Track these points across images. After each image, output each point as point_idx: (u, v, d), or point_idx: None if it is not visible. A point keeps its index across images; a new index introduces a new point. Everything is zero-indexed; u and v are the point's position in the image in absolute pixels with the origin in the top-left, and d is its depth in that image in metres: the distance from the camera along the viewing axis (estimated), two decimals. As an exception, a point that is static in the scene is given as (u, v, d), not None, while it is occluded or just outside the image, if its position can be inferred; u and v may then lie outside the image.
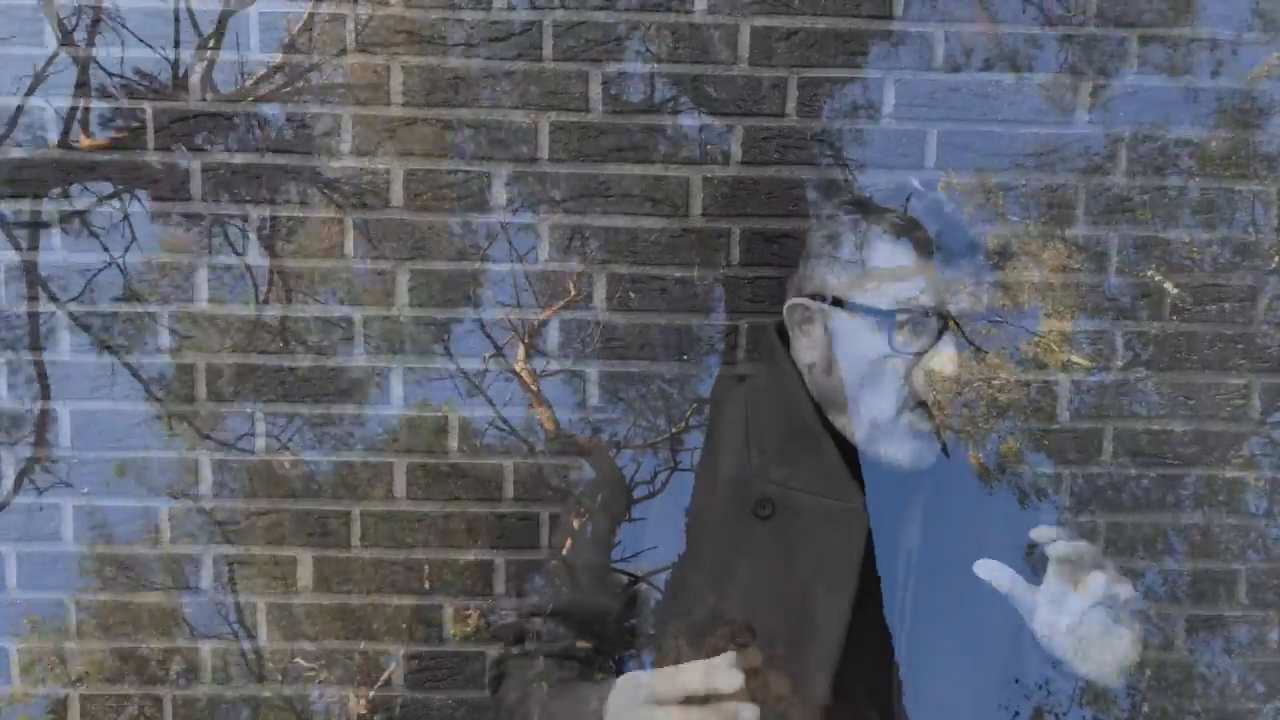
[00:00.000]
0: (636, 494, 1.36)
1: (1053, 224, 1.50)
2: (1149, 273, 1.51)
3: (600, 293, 1.47)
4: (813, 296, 1.17)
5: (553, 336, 1.50)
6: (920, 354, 1.10)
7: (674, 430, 1.46)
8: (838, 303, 1.14)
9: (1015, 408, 1.54)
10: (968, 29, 1.44)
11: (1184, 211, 1.50)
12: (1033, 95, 1.46)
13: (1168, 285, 1.51)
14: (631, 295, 1.47)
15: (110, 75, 1.41)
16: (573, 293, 1.48)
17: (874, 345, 1.11)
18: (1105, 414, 1.55)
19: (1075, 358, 1.54)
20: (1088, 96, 1.47)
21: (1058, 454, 1.56)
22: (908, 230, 1.12)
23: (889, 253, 1.12)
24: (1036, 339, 1.53)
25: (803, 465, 1.17)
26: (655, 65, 1.43)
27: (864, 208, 1.19)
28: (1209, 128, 1.48)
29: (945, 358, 1.09)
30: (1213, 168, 1.49)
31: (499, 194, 1.45)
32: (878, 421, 1.13)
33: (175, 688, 1.49)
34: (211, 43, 1.41)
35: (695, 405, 1.48)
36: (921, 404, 1.11)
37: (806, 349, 1.19)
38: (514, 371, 1.50)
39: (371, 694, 1.51)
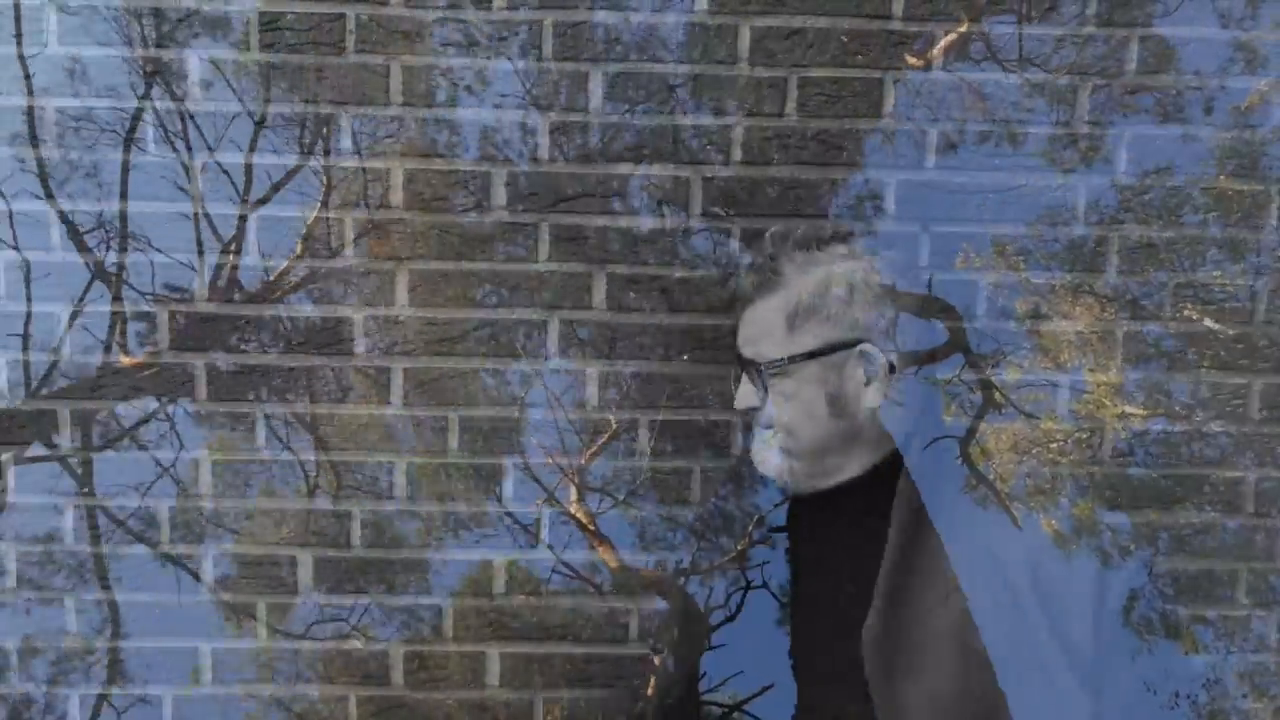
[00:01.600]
0: (713, 620, 1.33)
1: (1079, 276, 1.49)
2: (1187, 313, 1.49)
3: (644, 437, 1.47)
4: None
5: (601, 472, 1.49)
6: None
7: (739, 548, 1.44)
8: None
9: (1080, 465, 1.51)
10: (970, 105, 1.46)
11: (1207, 248, 1.49)
12: (1027, 158, 1.48)
13: (1208, 322, 1.49)
14: (672, 441, 1.47)
15: (142, 294, 1.46)
16: (614, 426, 1.48)
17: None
18: (1178, 463, 1.51)
19: (1130, 409, 1.51)
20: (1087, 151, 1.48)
21: (1132, 507, 1.51)
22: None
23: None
24: (1086, 395, 1.51)
25: None
26: (655, 65, 1.44)
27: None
28: (1212, 167, 1.49)
29: (739, 392, 1.24)
30: (1225, 205, 1.49)
31: (542, 342, 1.47)
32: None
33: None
34: (234, 246, 1.46)
35: (756, 520, 1.46)
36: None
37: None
38: (569, 514, 1.49)
39: None
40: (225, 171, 1.45)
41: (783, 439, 1.18)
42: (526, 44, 1.44)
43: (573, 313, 1.47)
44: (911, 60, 1.44)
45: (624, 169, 1.45)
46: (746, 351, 1.22)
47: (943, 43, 1.44)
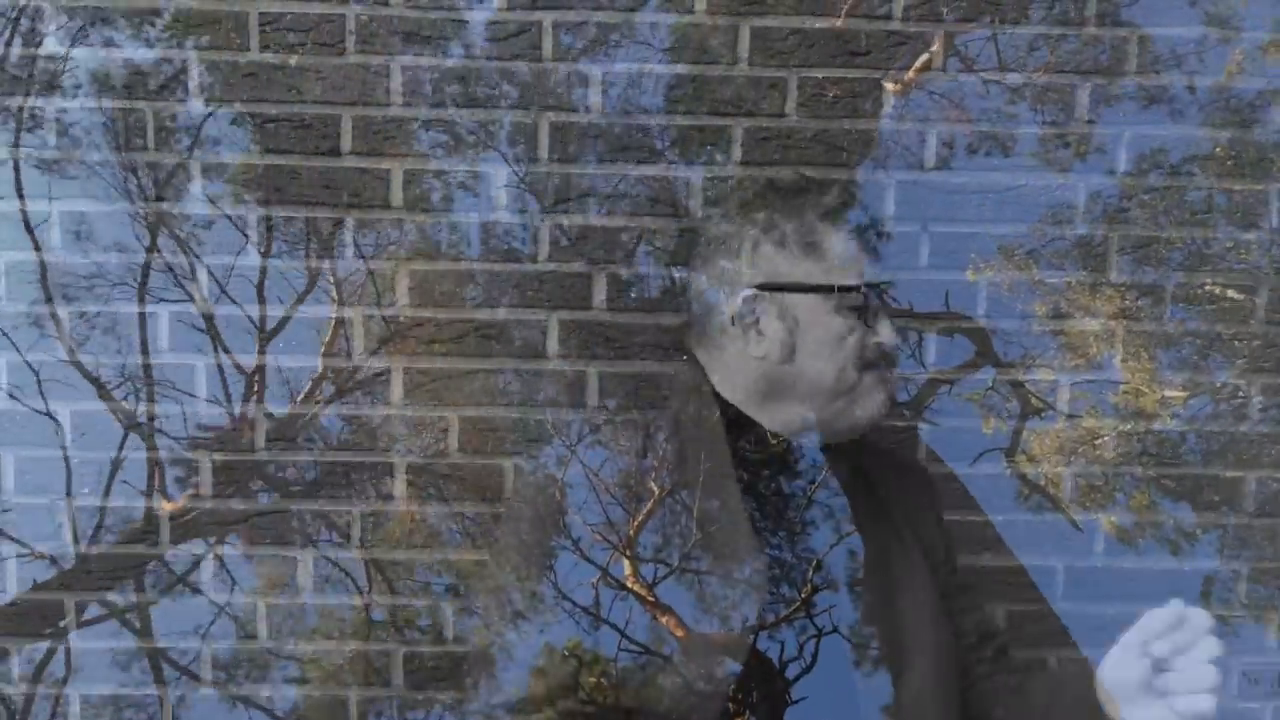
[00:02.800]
0: (790, 674, 1.31)
1: (1091, 268, 1.49)
2: (1208, 284, 1.49)
3: (690, 497, 1.47)
4: (761, 288, 1.22)
5: (651, 540, 1.48)
6: (869, 326, 1.22)
7: (803, 595, 1.42)
8: (798, 289, 1.22)
9: (1131, 457, 1.49)
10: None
11: (1215, 221, 1.49)
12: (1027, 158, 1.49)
13: (1231, 292, 1.48)
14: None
15: (176, 439, 1.48)
16: (657, 492, 1.48)
17: (834, 323, 1.21)
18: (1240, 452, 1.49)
19: (1169, 392, 1.50)
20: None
21: (1190, 498, 1.49)
22: (842, 223, 1.23)
23: (837, 241, 1.23)
24: (1123, 386, 1.50)
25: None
26: (655, 65, 1.45)
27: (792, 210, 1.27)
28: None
29: (886, 328, 1.21)
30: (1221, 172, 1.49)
31: (580, 434, 1.47)
32: (841, 390, 1.22)
33: None
34: (256, 378, 1.48)
35: (815, 564, 1.44)
36: (869, 365, 1.22)
37: (757, 342, 1.24)
38: (627, 589, 1.47)
39: None
40: (236, 303, 1.47)
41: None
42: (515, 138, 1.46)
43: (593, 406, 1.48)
44: (890, 86, 1.46)
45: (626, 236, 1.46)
46: (854, 278, 1.20)
47: (919, 62, 1.46)
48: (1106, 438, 1.49)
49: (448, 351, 1.48)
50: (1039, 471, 1.45)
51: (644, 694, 1.45)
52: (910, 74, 1.46)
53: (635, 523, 1.48)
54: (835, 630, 1.28)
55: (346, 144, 1.45)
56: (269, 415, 1.48)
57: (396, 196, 1.46)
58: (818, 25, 1.44)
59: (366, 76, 1.44)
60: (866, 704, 1.28)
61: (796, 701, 1.23)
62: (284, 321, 1.48)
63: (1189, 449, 1.49)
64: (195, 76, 1.44)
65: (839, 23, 1.41)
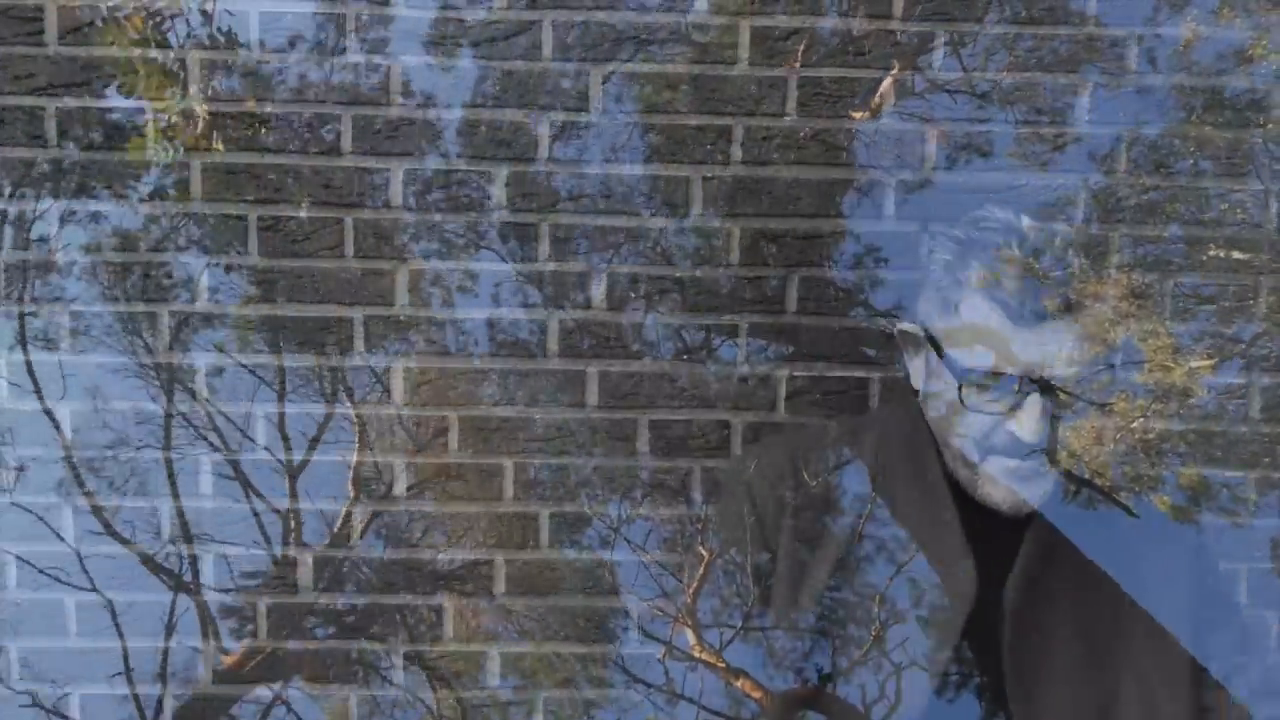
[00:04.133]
0: (877, 715, 1.28)
1: (1092, 253, 1.49)
2: (1212, 253, 1.48)
3: (742, 556, 1.45)
4: (918, 324, 1.18)
5: (710, 605, 1.46)
6: (1002, 414, 1.09)
7: (875, 633, 1.39)
8: (932, 342, 1.14)
9: (1171, 437, 1.47)
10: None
11: (1205, 183, 1.50)
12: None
13: (1235, 252, 1.48)
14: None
15: (223, 591, 1.47)
16: (706, 558, 1.47)
17: (952, 394, 1.11)
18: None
19: (1195, 362, 1.49)
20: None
21: (1242, 462, 1.47)
22: (1001, 288, 1.09)
23: (979, 310, 1.10)
24: (1147, 364, 1.49)
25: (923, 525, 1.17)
26: (655, 65, 1.44)
27: (973, 240, 1.15)
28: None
29: (1024, 420, 1.08)
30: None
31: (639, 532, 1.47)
32: (967, 462, 1.14)
33: None
34: (292, 520, 1.48)
35: (878, 598, 1.42)
36: (994, 451, 1.12)
37: (914, 375, 1.20)
38: (696, 659, 1.45)
39: None
40: (267, 450, 1.48)
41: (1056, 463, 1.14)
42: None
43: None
44: (855, 115, 1.47)
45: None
46: (1047, 371, 1.08)
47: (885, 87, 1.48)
48: (1142, 419, 1.48)
49: (474, 452, 1.48)
50: (1083, 465, 1.44)
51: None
52: (876, 100, 1.47)
53: (691, 590, 1.46)
54: (914, 663, 1.26)
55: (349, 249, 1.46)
56: (310, 550, 1.47)
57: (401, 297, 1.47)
58: (818, 25, 1.42)
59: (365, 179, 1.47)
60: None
61: (888, 743, 1.20)
62: (311, 446, 1.49)
63: (1230, 415, 1.47)
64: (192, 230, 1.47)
65: (794, 70, 1.43)
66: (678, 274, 1.46)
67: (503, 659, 1.47)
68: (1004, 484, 1.13)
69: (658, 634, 1.48)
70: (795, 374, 1.45)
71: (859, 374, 1.46)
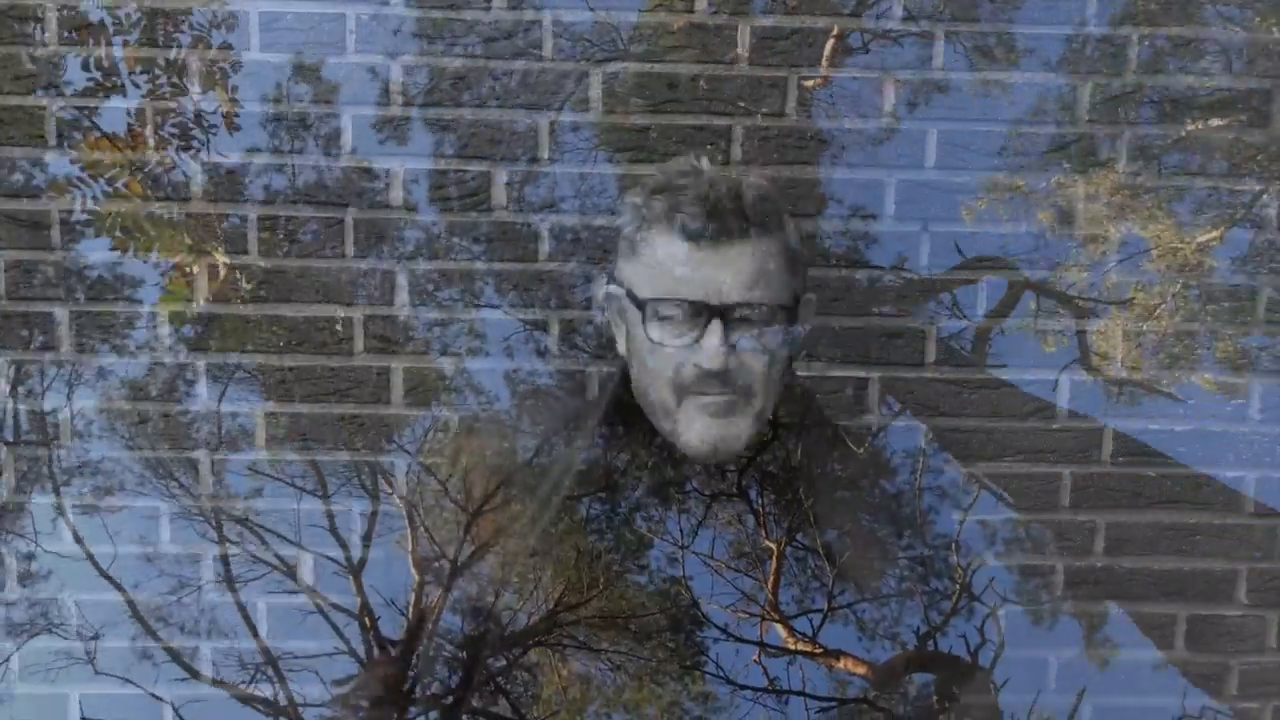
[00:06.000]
0: (985, 660, 1.28)
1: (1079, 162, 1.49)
2: (1192, 127, 1.48)
3: (816, 535, 1.45)
4: (613, 282, 1.15)
5: (789, 597, 1.45)
6: (685, 346, 1.06)
7: (959, 582, 1.39)
8: (630, 294, 1.10)
9: (1197, 316, 1.47)
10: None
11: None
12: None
13: (1214, 120, 1.47)
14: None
15: (313, 706, 1.47)
16: (775, 549, 1.46)
17: (640, 336, 1.08)
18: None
19: (1201, 236, 1.48)
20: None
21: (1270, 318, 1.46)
22: (684, 217, 1.05)
23: (661, 242, 1.07)
24: (1153, 251, 1.48)
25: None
26: (655, 65, 1.44)
27: (661, 191, 1.10)
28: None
29: (706, 350, 1.03)
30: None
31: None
32: (667, 411, 1.10)
33: None
34: (369, 624, 1.48)
35: (954, 544, 1.41)
36: (686, 389, 1.07)
37: (619, 340, 1.18)
38: (791, 651, 1.45)
39: None
40: (329, 558, 1.49)
41: (754, 404, 1.08)
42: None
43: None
44: (807, 83, 1.47)
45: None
46: (735, 295, 1.03)
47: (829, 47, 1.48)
48: (1165, 304, 1.47)
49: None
50: (1120, 364, 1.43)
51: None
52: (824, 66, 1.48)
53: (770, 584, 1.45)
54: (1006, 600, 1.25)
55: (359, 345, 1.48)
56: (388, 645, 1.48)
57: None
58: (818, 25, 1.42)
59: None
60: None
61: (1003, 685, 1.19)
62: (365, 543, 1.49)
63: (1246, 283, 1.46)
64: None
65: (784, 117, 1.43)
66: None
67: (600, 698, 1.47)
68: (699, 423, 1.09)
69: (748, 636, 1.47)
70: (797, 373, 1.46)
71: (859, 374, 1.49)
